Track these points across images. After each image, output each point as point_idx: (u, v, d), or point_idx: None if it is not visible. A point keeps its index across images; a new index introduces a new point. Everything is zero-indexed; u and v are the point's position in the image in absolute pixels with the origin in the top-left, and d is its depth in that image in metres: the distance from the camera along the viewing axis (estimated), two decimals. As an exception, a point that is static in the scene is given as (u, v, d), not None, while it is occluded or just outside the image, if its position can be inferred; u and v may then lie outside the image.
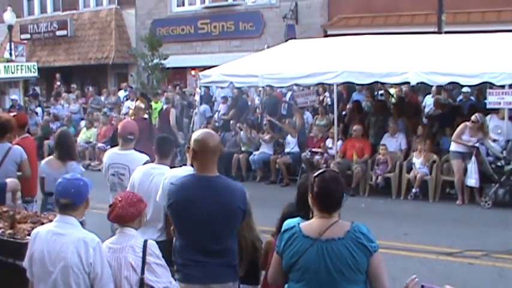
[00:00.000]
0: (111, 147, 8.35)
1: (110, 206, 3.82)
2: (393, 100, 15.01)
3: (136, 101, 11.01)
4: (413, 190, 11.35)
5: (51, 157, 6.54)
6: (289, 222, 3.48)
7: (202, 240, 3.87)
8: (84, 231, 3.59)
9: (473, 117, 10.80)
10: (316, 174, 3.38)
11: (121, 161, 5.95)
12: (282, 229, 3.47)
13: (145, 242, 3.70)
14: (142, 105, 10.40)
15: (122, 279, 3.59)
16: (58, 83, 22.86)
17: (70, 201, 3.58)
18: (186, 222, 3.93)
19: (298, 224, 3.39)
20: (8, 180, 4.71)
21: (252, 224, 4.45)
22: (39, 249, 3.55)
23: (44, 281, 3.53)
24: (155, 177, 5.11)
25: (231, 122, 15.10)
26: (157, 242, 3.93)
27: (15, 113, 8.55)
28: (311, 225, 3.34)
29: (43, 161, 6.53)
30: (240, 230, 4.13)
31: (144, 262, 3.61)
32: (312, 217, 3.41)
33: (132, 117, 9.93)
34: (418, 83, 11.50)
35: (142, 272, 3.59)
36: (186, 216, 3.91)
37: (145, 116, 10.57)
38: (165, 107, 14.78)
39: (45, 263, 3.51)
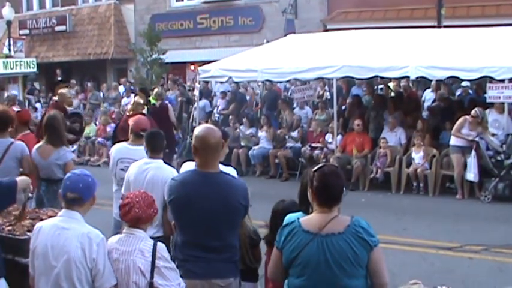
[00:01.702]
0: (113, 143, 8.32)
1: (122, 206, 3.70)
2: (392, 94, 15.01)
3: (135, 96, 10.93)
4: (414, 184, 11.36)
5: (41, 143, 6.49)
6: (289, 217, 3.47)
7: (202, 236, 3.88)
8: (88, 227, 3.58)
9: (473, 112, 10.78)
10: (315, 168, 3.37)
11: (132, 156, 5.85)
12: (283, 224, 3.47)
13: (154, 245, 3.62)
14: (141, 101, 10.33)
15: (130, 283, 3.54)
16: (59, 78, 22.82)
17: (78, 195, 3.57)
18: (186, 218, 3.93)
19: (298, 219, 3.39)
20: (18, 179, 4.70)
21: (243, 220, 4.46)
22: (42, 244, 3.54)
23: (45, 275, 3.52)
24: (149, 173, 5.10)
25: (230, 117, 15.08)
26: (154, 238, 3.91)
27: (18, 109, 8.52)
28: (311, 220, 3.34)
29: (34, 148, 6.46)
30: None
31: (154, 266, 3.55)
32: (312, 212, 3.40)
33: (131, 113, 9.89)
34: (417, 77, 11.48)
35: (152, 276, 3.53)
36: (187, 212, 3.91)
37: (144, 111, 10.49)
38: (158, 104, 13.02)
39: (48, 257, 3.50)
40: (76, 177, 3.64)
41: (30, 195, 4.93)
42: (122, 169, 5.89)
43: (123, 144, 6.20)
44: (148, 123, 6.32)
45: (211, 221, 3.85)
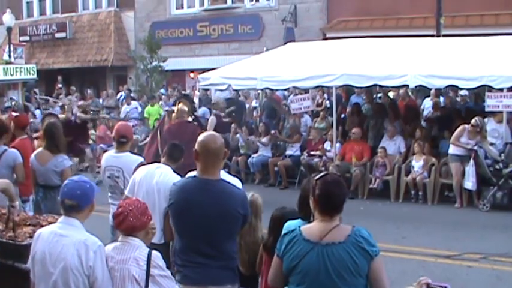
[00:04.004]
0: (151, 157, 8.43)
1: (115, 215, 3.64)
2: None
3: (178, 103, 10.60)
4: (412, 193, 11.38)
5: (40, 149, 6.52)
6: (289, 225, 3.47)
7: (199, 242, 3.88)
8: (86, 234, 3.57)
9: (473, 121, 10.78)
10: (318, 177, 3.37)
11: (115, 164, 5.96)
12: (283, 232, 3.47)
13: (149, 253, 3.59)
14: (186, 108, 10.08)
15: None
16: (59, 85, 22.85)
17: (75, 202, 3.56)
18: (184, 223, 3.94)
19: (299, 227, 3.39)
20: None
21: (255, 227, 4.50)
22: (40, 250, 3.55)
23: (44, 282, 3.53)
24: (156, 177, 5.12)
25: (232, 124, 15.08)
26: (159, 245, 3.90)
27: (17, 114, 8.52)
28: (311, 229, 3.33)
29: (33, 153, 6.50)
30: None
31: (149, 275, 3.53)
32: (313, 220, 3.41)
33: (176, 120, 9.79)
34: (416, 86, 11.51)
35: (147, 285, 3.52)
36: (185, 217, 3.92)
37: (190, 118, 10.19)
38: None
39: (46, 264, 3.51)
40: (74, 184, 3.63)
41: (16, 203, 4.94)
42: (109, 177, 6.00)
43: (110, 152, 6.26)
44: (129, 130, 6.30)
45: (208, 228, 3.85)
